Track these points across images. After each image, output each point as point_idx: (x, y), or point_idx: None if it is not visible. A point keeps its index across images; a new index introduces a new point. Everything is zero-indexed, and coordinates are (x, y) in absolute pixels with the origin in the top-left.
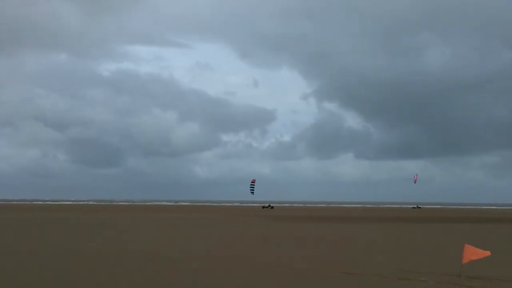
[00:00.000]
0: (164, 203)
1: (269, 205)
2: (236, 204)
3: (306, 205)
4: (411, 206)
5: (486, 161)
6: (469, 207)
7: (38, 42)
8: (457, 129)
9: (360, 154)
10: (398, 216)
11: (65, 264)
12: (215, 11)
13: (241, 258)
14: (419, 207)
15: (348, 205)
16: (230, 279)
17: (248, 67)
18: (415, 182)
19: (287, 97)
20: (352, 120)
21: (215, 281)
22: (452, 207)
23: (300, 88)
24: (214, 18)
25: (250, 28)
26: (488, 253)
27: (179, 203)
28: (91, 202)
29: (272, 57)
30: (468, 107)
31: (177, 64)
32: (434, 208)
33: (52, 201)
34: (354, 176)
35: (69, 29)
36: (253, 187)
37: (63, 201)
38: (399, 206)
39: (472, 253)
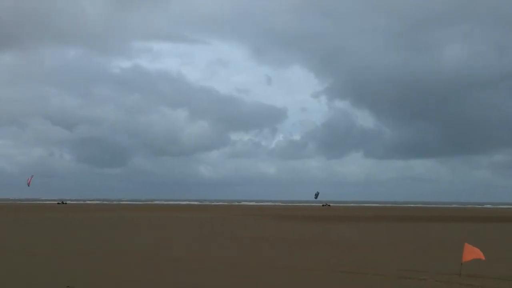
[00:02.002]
0: (171, 202)
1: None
2: (243, 203)
3: (312, 204)
4: (321, 204)
5: (498, 159)
6: (475, 206)
7: (55, 37)
8: (470, 128)
9: (370, 153)
10: (399, 215)
11: (64, 262)
12: (228, 7)
13: (241, 258)
14: (329, 205)
15: (353, 205)
16: (230, 278)
17: (260, 65)
18: (28, 185)
19: (298, 95)
20: (364, 119)
21: (215, 281)
22: (457, 206)
23: (312, 86)
24: (226, 14)
25: (263, 25)
26: (486, 252)
27: (186, 203)
28: (98, 202)
29: (284, 54)
30: (482, 105)
31: (189, 61)
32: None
33: (57, 200)
34: (363, 176)
35: (84, 25)
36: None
37: (68, 200)
38: (399, 205)
39: (472, 252)
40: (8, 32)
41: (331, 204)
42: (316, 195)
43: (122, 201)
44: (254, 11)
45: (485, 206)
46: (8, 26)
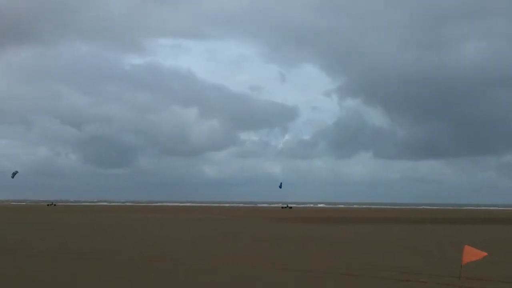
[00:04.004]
0: (172, 204)
1: (288, 206)
2: (250, 204)
3: (317, 205)
4: (281, 205)
5: (508, 160)
6: (481, 208)
7: (73, 33)
8: (484, 128)
9: (380, 153)
10: (402, 217)
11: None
12: (242, 5)
13: (242, 259)
14: (290, 207)
15: (357, 206)
16: (231, 279)
17: (272, 63)
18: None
19: (310, 93)
20: (376, 118)
21: (216, 281)
22: (463, 208)
23: (324, 84)
24: (241, 12)
25: (277, 22)
26: (486, 254)
27: (189, 204)
28: (104, 203)
29: (296, 52)
30: (498, 104)
31: (201, 59)
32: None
33: (62, 201)
34: (371, 176)
35: (100, 20)
36: None
37: (72, 201)
38: (401, 207)
39: (472, 254)
40: (26, 27)
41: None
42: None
43: (125, 202)
44: (268, 9)
45: (491, 208)
46: (27, 21)
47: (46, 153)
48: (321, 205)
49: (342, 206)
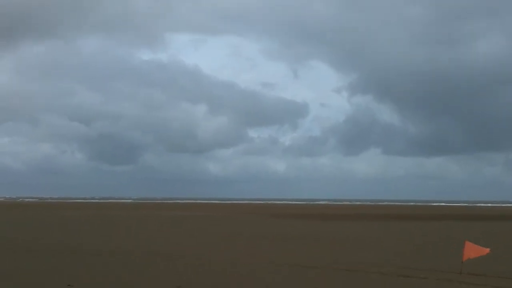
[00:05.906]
0: (176, 201)
1: None
2: (250, 202)
3: (320, 202)
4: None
5: None
6: (486, 204)
7: (91, 28)
8: (493, 125)
9: (389, 150)
10: (404, 213)
11: (63, 260)
12: (252, 1)
13: (242, 255)
14: None
15: (364, 203)
16: (232, 275)
17: (283, 59)
18: None
19: (320, 90)
20: (386, 115)
21: (215, 278)
22: (467, 204)
23: (334, 81)
24: (253, 8)
25: (288, 19)
26: (487, 250)
27: (192, 201)
28: (112, 200)
29: (307, 49)
30: (507, 102)
31: (211, 55)
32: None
33: (69, 199)
34: (378, 173)
35: (116, 16)
36: None
37: (77, 199)
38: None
39: (473, 250)
40: (42, 22)
41: None
42: None
43: (127, 199)
44: (278, 6)
45: (496, 205)
46: (43, 15)
47: (51, 151)
48: (331, 202)
49: (349, 203)
